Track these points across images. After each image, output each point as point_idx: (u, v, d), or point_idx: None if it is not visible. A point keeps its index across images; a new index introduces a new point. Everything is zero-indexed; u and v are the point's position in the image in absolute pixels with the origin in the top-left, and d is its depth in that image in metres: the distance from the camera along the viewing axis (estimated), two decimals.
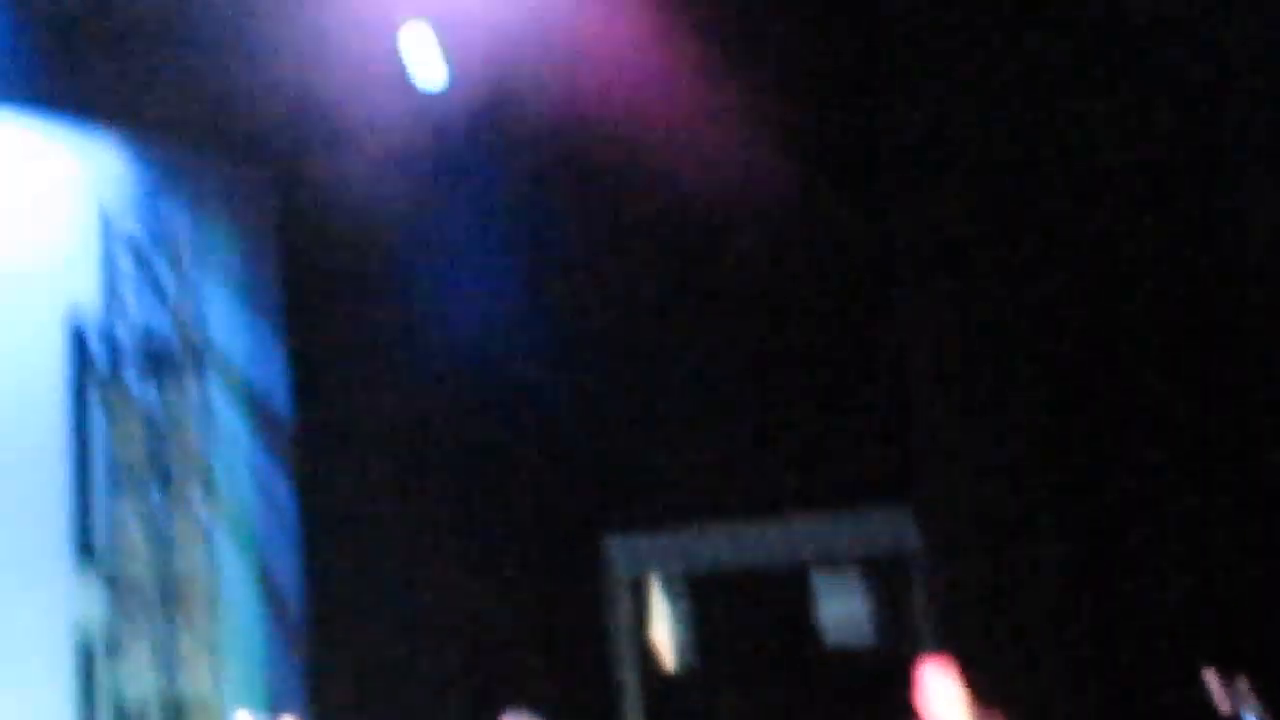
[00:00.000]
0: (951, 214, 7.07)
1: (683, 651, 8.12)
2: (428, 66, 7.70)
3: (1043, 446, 6.89)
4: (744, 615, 7.85)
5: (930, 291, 7.21)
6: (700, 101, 7.22)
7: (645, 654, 8.04)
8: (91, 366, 8.10)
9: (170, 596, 7.96)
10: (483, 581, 8.03)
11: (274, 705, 7.71)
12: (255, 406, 8.60)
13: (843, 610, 7.66)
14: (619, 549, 8.02)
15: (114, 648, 7.79)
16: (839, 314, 7.53)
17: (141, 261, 8.33)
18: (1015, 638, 6.74)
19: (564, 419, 8.01)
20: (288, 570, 8.44)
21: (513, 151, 8.03)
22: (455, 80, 7.75)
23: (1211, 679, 5.88)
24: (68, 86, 7.59)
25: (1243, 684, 6.01)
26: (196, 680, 7.93)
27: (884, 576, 7.55)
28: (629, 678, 7.98)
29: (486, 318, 8.02)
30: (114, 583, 7.86)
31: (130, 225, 8.31)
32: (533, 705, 5.85)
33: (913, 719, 5.16)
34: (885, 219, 7.35)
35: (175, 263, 8.39)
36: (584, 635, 7.95)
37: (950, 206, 7.09)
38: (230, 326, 8.62)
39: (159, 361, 8.26)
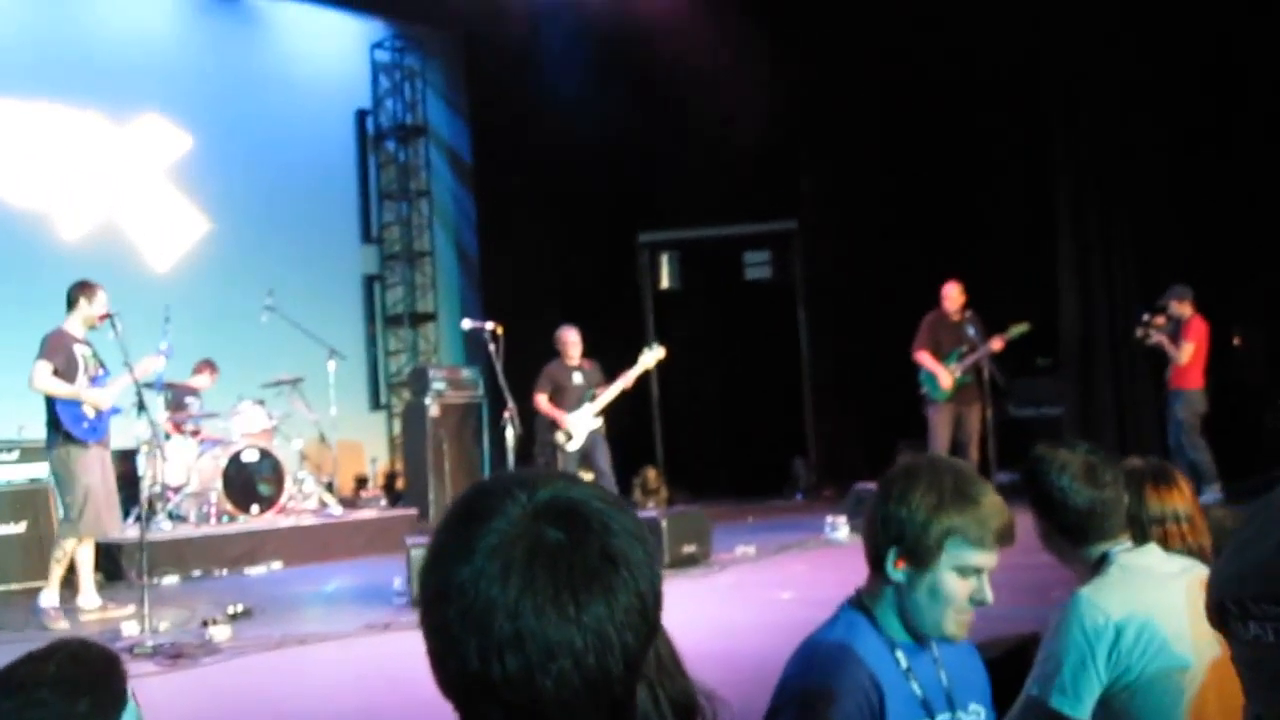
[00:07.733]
0: None
1: (672, 282, 15.42)
2: None
3: None
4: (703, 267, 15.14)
5: None
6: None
7: (655, 290, 15.31)
8: (368, 135, 14.77)
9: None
10: (573, 252, 15.05)
11: (465, 312, 15.01)
12: (453, 157, 15.38)
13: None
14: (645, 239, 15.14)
15: (381, 284, 15.01)
16: None
17: (393, 77, 14.79)
18: None
19: (624, 167, 14.66)
20: (470, 243, 15.56)
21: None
22: None
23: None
24: None
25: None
26: (426, 301, 15.25)
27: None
28: (646, 298, 15.32)
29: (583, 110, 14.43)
30: (381, 249, 14.96)
31: (386, 57, 14.71)
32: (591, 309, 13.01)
33: None
34: None
35: (411, 77, 14.84)
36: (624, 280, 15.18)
37: None
38: (440, 114, 15.23)
39: (405, 132, 14.91)
